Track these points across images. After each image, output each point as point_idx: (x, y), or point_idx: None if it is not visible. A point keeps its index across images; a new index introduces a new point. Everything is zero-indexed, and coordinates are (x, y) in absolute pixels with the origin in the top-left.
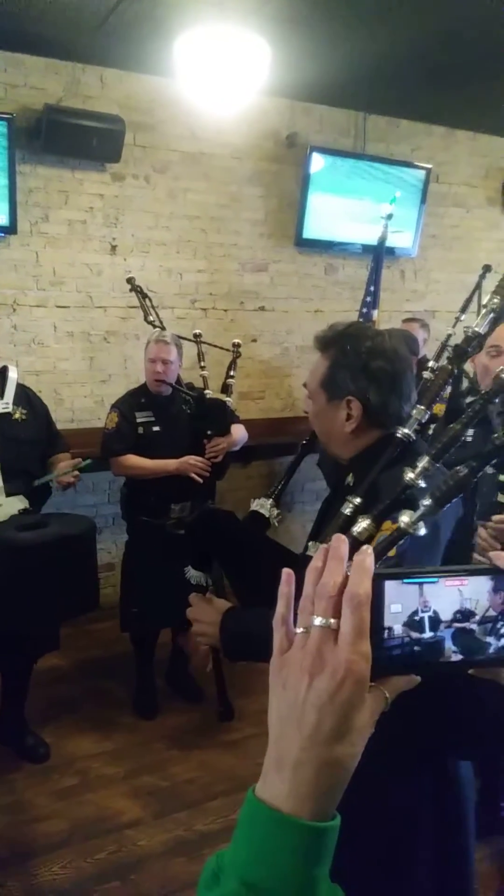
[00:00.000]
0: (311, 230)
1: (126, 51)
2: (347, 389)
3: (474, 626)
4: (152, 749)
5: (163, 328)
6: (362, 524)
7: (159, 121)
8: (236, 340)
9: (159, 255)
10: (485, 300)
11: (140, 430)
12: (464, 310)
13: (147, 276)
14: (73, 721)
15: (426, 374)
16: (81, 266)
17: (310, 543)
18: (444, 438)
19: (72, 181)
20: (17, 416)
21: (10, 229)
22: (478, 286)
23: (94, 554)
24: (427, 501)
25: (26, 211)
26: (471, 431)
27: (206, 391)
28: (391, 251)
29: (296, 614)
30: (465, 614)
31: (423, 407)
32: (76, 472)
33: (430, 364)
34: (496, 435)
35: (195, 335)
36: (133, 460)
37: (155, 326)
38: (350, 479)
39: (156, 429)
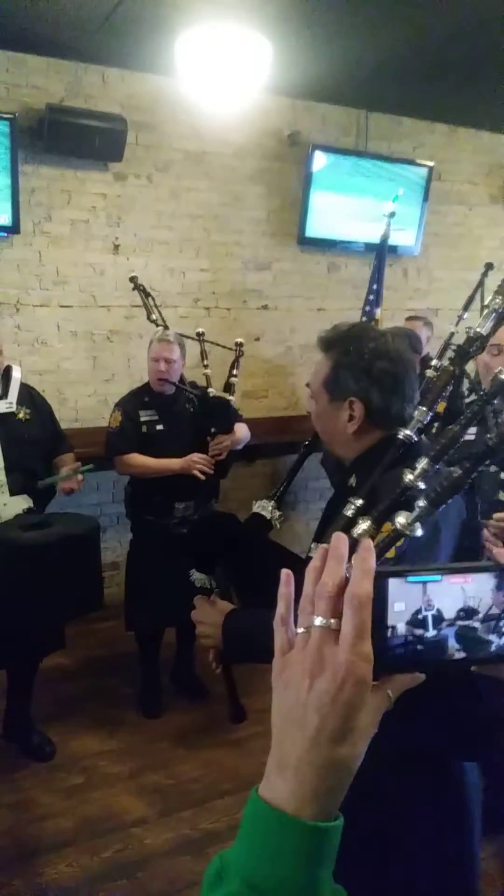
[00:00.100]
0: (314, 228)
1: (128, 50)
2: (350, 390)
3: (477, 624)
4: (157, 748)
5: (166, 327)
6: (363, 526)
7: (161, 120)
8: (239, 339)
9: (162, 254)
10: (487, 298)
11: (144, 428)
12: (466, 308)
13: (150, 276)
14: (79, 720)
15: (429, 373)
16: (84, 265)
17: (313, 545)
18: (443, 440)
19: (74, 181)
20: (21, 415)
21: (13, 229)
22: (480, 284)
23: (98, 554)
24: (422, 503)
25: (29, 211)
26: (473, 429)
27: (210, 389)
28: (394, 249)
29: (296, 615)
30: (468, 612)
31: (424, 408)
32: (80, 477)
33: (434, 363)
34: (489, 436)
35: (198, 334)
36: (137, 459)
37: (158, 325)
38: (353, 480)
39: (159, 427)
